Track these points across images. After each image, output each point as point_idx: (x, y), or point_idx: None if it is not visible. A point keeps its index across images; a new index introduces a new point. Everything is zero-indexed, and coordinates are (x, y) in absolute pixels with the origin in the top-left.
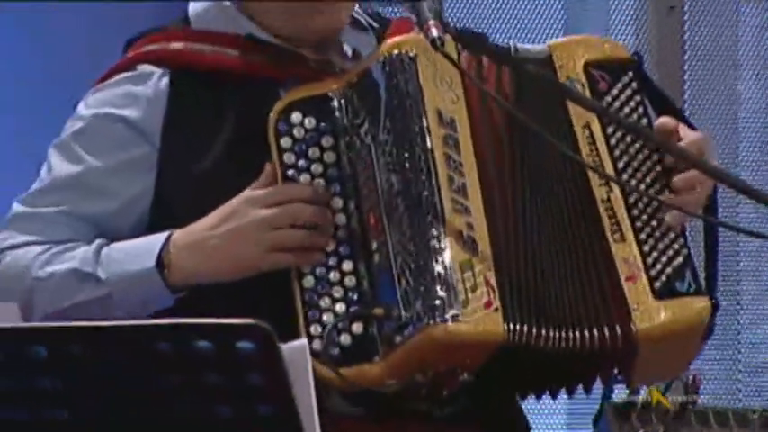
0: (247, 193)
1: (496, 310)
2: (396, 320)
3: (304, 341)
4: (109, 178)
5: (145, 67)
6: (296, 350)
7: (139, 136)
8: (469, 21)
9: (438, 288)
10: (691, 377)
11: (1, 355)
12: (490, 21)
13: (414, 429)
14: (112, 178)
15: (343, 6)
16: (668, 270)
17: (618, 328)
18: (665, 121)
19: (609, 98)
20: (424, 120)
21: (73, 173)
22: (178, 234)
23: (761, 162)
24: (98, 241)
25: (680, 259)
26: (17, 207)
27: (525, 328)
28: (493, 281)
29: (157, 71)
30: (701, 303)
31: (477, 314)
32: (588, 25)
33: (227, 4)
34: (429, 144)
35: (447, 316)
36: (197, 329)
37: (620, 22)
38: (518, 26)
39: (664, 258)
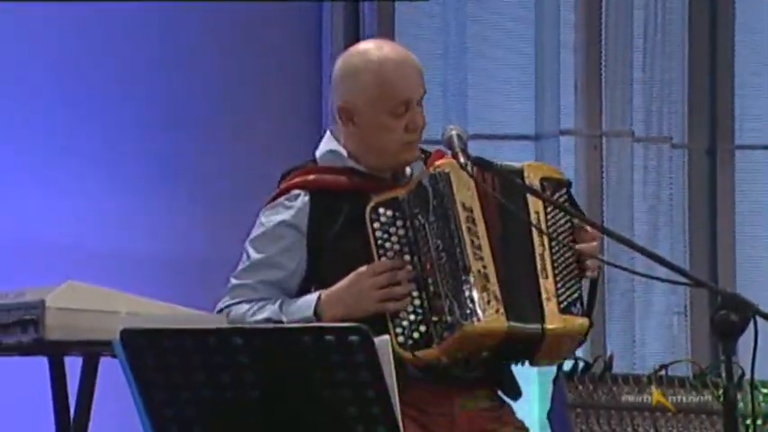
0: (360, 269)
1: (502, 314)
2: (444, 323)
3: (387, 336)
4: (280, 257)
5: (294, 191)
6: (382, 341)
7: (294, 229)
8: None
9: (468, 303)
10: (608, 356)
11: (217, 341)
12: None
13: (453, 386)
14: (282, 257)
15: (417, 147)
16: (569, 299)
17: (541, 327)
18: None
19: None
20: (455, 208)
21: (262, 258)
22: (325, 294)
23: None
24: (280, 300)
25: (576, 294)
26: (233, 281)
27: (517, 324)
28: (499, 296)
29: (301, 192)
30: (584, 321)
31: (491, 317)
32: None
33: (339, 150)
34: (458, 221)
35: (474, 319)
36: (327, 329)
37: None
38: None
39: (567, 292)
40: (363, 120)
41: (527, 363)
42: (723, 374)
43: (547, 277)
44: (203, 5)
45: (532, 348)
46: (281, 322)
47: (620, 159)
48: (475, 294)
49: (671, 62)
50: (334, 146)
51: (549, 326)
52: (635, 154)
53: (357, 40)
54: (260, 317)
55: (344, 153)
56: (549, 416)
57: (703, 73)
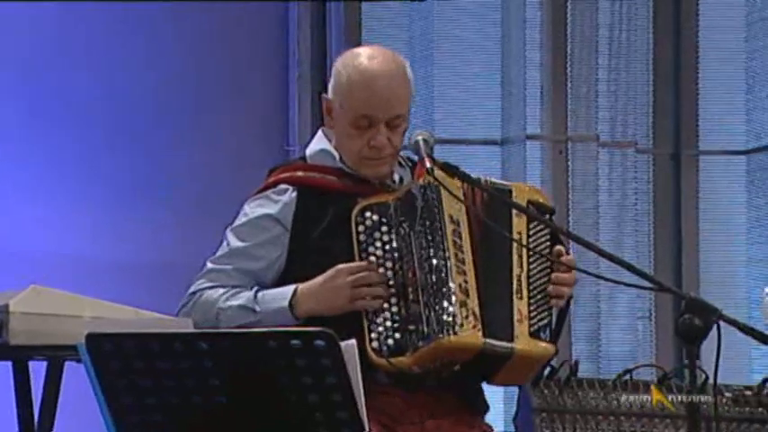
0: (339, 266)
1: (479, 330)
2: (420, 333)
3: (353, 341)
4: (260, 249)
5: (282, 186)
6: (348, 345)
7: (278, 223)
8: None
9: (445, 316)
10: (573, 362)
11: (182, 346)
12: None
13: (423, 395)
14: (262, 249)
15: (386, 164)
16: (539, 324)
17: (511, 347)
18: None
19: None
20: (443, 220)
21: (240, 246)
22: (301, 287)
23: None
24: (256, 288)
25: (546, 321)
26: (209, 265)
27: (492, 340)
28: (478, 313)
29: (289, 187)
30: (550, 348)
31: (468, 332)
32: None
33: (329, 149)
34: (445, 234)
35: (451, 332)
36: (292, 334)
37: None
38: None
39: (539, 316)
40: (336, 119)
41: (484, 381)
42: (687, 378)
43: (521, 299)
44: (169, 6)
45: (496, 367)
46: (255, 311)
47: (585, 164)
48: (454, 308)
49: (636, 67)
50: (326, 145)
51: (517, 346)
52: (600, 158)
53: (323, 41)
54: (234, 303)
55: (335, 153)
56: (515, 420)
57: (668, 78)
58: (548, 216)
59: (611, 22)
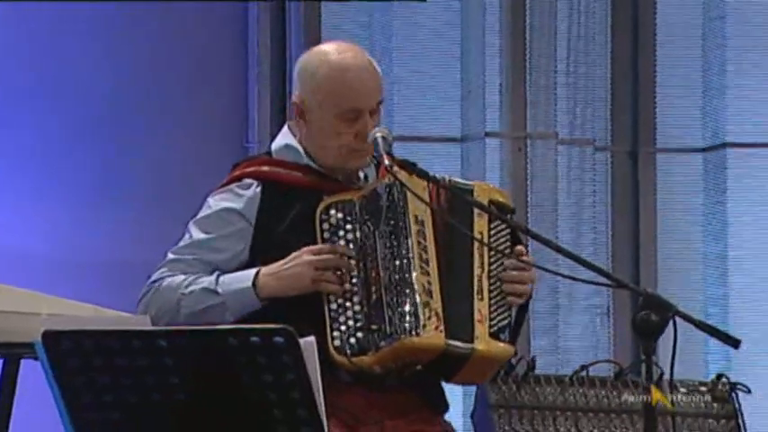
0: (305, 248)
1: (441, 331)
2: (383, 333)
3: (312, 338)
4: (223, 242)
5: (246, 180)
6: (307, 342)
7: (242, 218)
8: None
9: (408, 317)
10: (531, 358)
11: (142, 343)
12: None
13: (383, 394)
14: (225, 242)
15: (365, 156)
16: (499, 325)
17: (471, 347)
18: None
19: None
20: (407, 220)
21: (203, 238)
22: (264, 268)
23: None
24: (217, 273)
25: (506, 321)
26: (170, 255)
27: (453, 341)
28: (441, 314)
29: (254, 182)
30: (510, 348)
31: (430, 333)
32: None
33: (295, 145)
34: (409, 234)
35: (413, 333)
36: (252, 331)
37: None
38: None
39: (499, 317)
40: (313, 119)
41: (443, 380)
42: (643, 374)
43: (482, 299)
44: (128, 5)
45: (455, 367)
46: (217, 293)
47: (544, 161)
48: (417, 308)
49: (594, 65)
50: (291, 141)
51: (477, 347)
52: (559, 156)
53: (283, 40)
54: (196, 287)
55: (301, 150)
56: (473, 416)
57: (626, 76)
58: (508, 216)
59: (569, 19)
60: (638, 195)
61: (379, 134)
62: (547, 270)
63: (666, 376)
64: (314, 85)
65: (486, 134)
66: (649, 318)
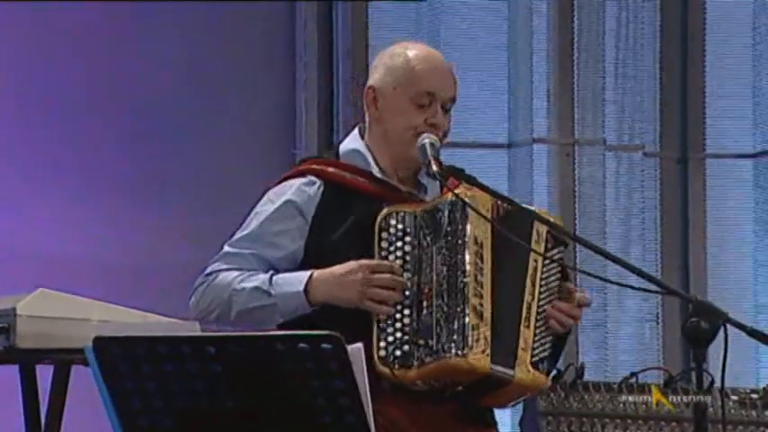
0: (362, 261)
1: (488, 355)
2: (429, 349)
3: (360, 345)
4: (280, 238)
5: (310, 177)
6: (355, 349)
7: (300, 214)
8: None
9: (456, 336)
10: (579, 365)
11: (191, 349)
12: None
13: (425, 404)
14: (282, 238)
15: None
16: (541, 355)
17: (512, 374)
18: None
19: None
20: (467, 239)
21: (261, 232)
22: (317, 273)
23: None
24: (271, 272)
25: (547, 353)
26: (227, 248)
27: (498, 368)
28: (489, 337)
29: (318, 181)
30: (545, 381)
31: (477, 355)
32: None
33: (363, 151)
34: (467, 254)
35: (460, 353)
36: (300, 337)
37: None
38: None
39: (541, 348)
40: (385, 103)
41: (471, 398)
42: (693, 382)
43: (528, 327)
44: (175, 6)
45: (491, 390)
46: (269, 294)
47: (592, 167)
48: (466, 329)
49: (643, 71)
50: (360, 146)
51: (517, 375)
52: (607, 162)
53: (330, 41)
54: (248, 285)
55: (369, 157)
56: (521, 423)
57: (675, 82)
58: (563, 247)
59: (617, 24)
60: (687, 202)
61: (426, 140)
62: (595, 276)
63: (717, 384)
64: (393, 70)
65: (534, 140)
66: (699, 325)
